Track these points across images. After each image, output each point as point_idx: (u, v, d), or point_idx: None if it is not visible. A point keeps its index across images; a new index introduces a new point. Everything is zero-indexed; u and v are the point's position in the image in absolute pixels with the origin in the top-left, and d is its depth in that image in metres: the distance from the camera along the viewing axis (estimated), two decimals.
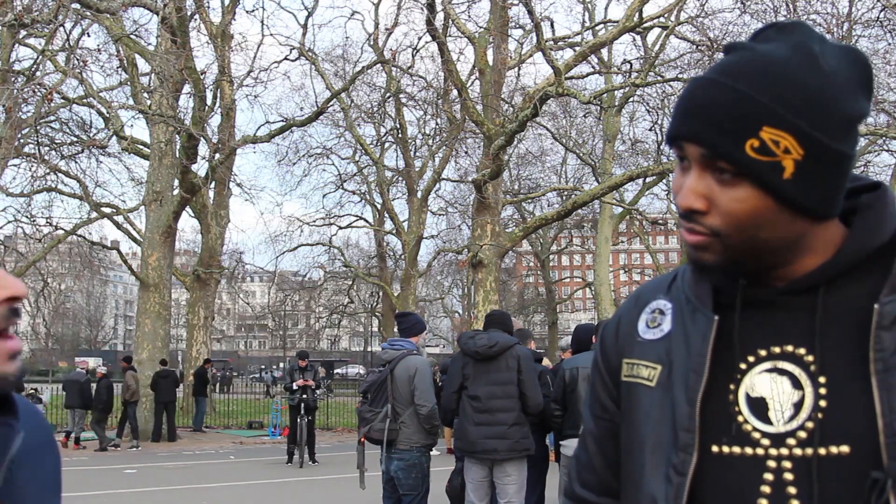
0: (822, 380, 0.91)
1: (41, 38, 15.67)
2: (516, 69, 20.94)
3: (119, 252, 20.68)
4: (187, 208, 19.94)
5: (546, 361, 8.51)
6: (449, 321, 51.70)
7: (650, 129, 20.55)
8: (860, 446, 0.87)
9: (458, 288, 42.13)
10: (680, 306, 1.03)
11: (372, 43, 23.09)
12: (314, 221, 28.22)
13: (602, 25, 20.84)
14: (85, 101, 18.42)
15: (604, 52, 21.45)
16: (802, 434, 0.90)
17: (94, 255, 26.85)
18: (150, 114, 16.14)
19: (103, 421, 15.62)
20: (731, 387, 0.96)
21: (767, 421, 0.93)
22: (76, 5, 13.19)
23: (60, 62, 16.63)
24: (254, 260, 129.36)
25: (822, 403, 0.90)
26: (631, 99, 21.69)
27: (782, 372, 0.93)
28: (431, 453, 5.67)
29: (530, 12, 13.67)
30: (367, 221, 29.69)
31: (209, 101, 16.40)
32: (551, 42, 18.28)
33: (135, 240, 20.60)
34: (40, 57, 15.98)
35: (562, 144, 24.21)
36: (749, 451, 0.93)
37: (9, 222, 22.37)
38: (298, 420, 12.37)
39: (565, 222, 29.61)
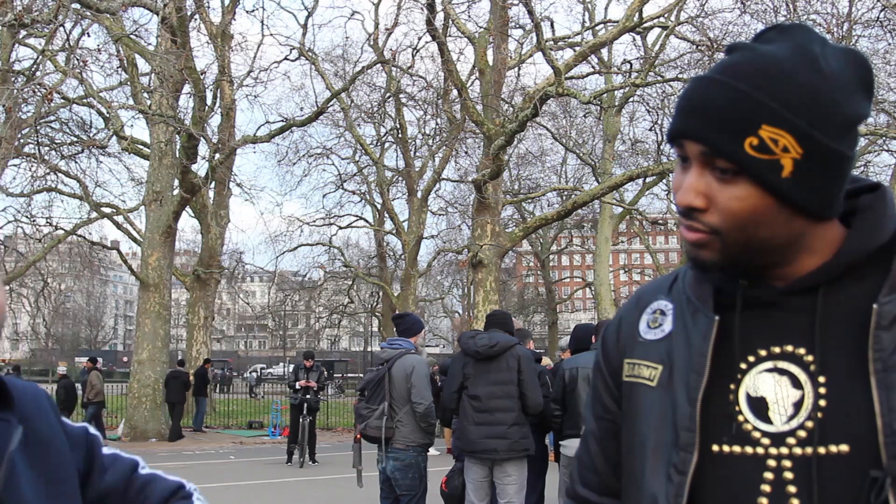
0: (821, 379, 0.92)
1: (41, 38, 15.67)
2: (516, 69, 20.94)
3: (119, 252, 20.68)
4: (187, 208, 19.94)
5: (546, 361, 8.51)
6: (449, 321, 51.69)
7: (650, 129, 20.57)
8: (860, 445, 0.87)
9: (458, 288, 42.13)
10: (681, 307, 1.04)
11: (372, 43, 23.09)
12: (314, 221, 28.22)
13: (602, 25, 20.83)
14: (85, 101, 18.42)
15: (604, 52, 21.45)
16: (802, 433, 0.91)
17: (94, 255, 26.84)
18: (150, 114, 16.14)
19: None
20: (732, 386, 0.96)
21: (767, 420, 0.93)
22: (76, 5, 13.19)
23: (60, 62, 16.64)
24: (254, 260, 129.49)
25: (822, 403, 0.91)
26: (631, 99, 21.70)
27: (782, 372, 0.94)
28: (432, 453, 5.68)
29: (530, 12, 13.66)
30: (367, 221, 29.68)
31: (209, 101, 16.39)
32: (551, 42, 18.28)
33: (135, 240, 20.60)
34: (40, 57, 15.98)
35: (562, 144, 24.21)
36: (749, 450, 0.93)
37: (9, 222, 22.39)
38: (300, 420, 12.38)
39: (565, 222, 29.61)
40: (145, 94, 18.42)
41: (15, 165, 19.52)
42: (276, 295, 42.53)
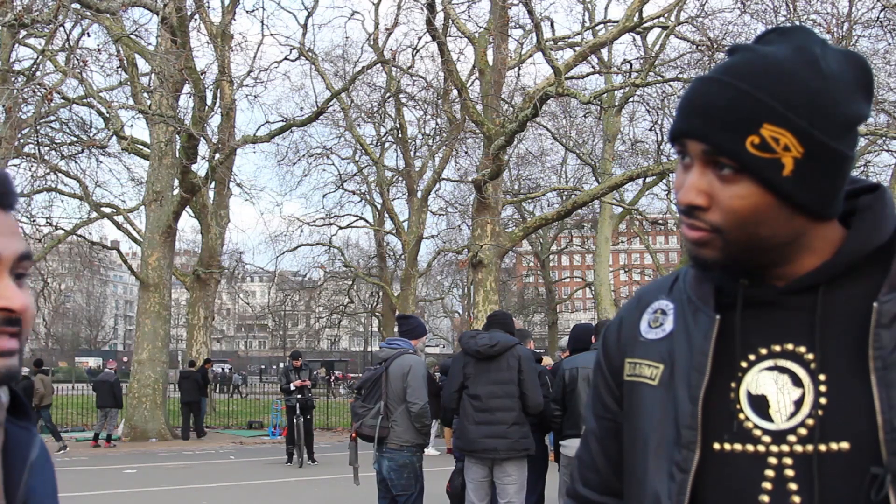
0: (822, 377, 0.92)
1: (41, 38, 15.67)
2: (516, 69, 20.94)
3: (119, 252, 20.67)
4: (187, 208, 19.94)
5: (547, 361, 8.51)
6: (449, 321, 51.70)
7: (650, 129, 20.55)
8: (860, 443, 0.88)
9: (458, 288, 42.14)
10: (682, 306, 1.05)
11: (372, 43, 23.10)
12: (314, 221, 28.24)
13: (602, 25, 20.84)
14: (85, 101, 18.42)
15: (604, 52, 21.45)
16: (803, 431, 0.91)
17: (94, 255, 26.85)
18: (150, 114, 16.14)
19: None
20: (733, 385, 0.97)
21: (768, 418, 0.94)
22: (76, 5, 13.19)
23: (60, 62, 16.64)
24: (254, 260, 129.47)
25: (823, 401, 0.91)
26: (631, 99, 21.69)
27: (783, 370, 0.95)
28: (431, 453, 5.68)
29: (530, 12, 13.67)
30: (367, 221, 29.69)
31: (209, 101, 16.39)
32: (551, 42, 18.29)
33: (135, 240, 20.60)
34: (40, 57, 15.98)
35: (562, 144, 24.21)
36: (750, 448, 0.94)
37: None
38: (295, 420, 12.38)
39: (565, 222, 29.61)
40: (145, 94, 18.42)
41: (15, 165, 19.51)
42: (276, 295, 42.54)
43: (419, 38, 24.45)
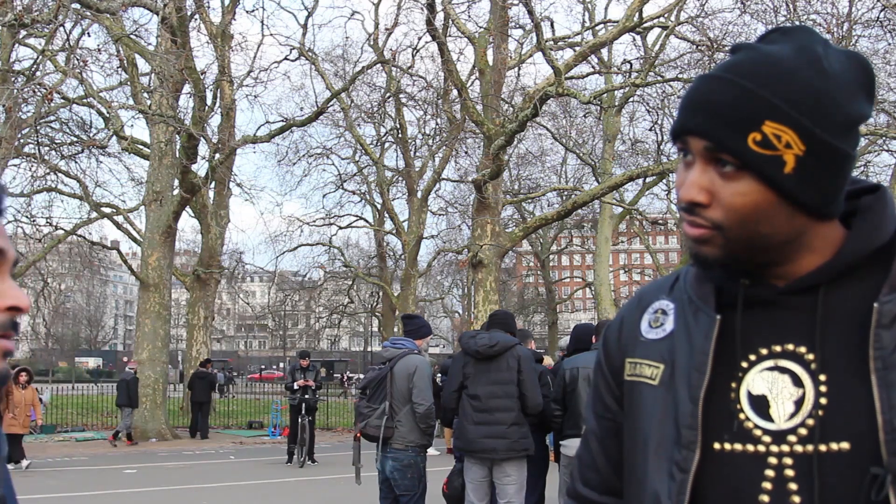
0: (822, 378, 0.92)
1: (41, 38, 15.67)
2: (516, 69, 20.94)
3: (119, 252, 20.68)
4: (187, 208, 19.94)
5: (548, 361, 8.51)
6: (449, 321, 51.67)
7: (650, 129, 20.56)
8: (860, 443, 0.88)
9: (458, 288, 42.12)
10: (682, 306, 1.05)
11: (372, 43, 23.09)
12: (314, 221, 28.23)
13: (602, 25, 20.84)
14: (85, 101, 18.42)
15: (604, 52, 21.45)
16: (803, 431, 0.92)
17: (94, 255, 26.85)
18: (150, 114, 16.14)
19: None
20: (733, 385, 0.97)
21: (769, 418, 0.94)
22: (76, 5, 13.19)
23: (60, 62, 16.64)
24: (254, 260, 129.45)
25: (823, 401, 0.91)
26: (631, 99, 21.69)
27: (783, 370, 0.95)
28: (431, 453, 5.67)
29: (530, 12, 13.67)
30: (367, 221, 29.69)
31: (209, 101, 16.39)
32: (551, 42, 18.29)
33: (135, 240, 20.60)
34: (40, 57, 15.98)
35: (562, 144, 24.21)
36: (751, 447, 0.94)
37: (9, 222, 22.30)
38: (299, 420, 12.38)
39: (565, 222, 29.61)
40: (145, 94, 18.42)
41: (15, 165, 19.54)
42: (276, 295, 42.53)
43: (419, 38, 24.46)
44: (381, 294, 31.44)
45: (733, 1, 15.50)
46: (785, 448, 0.92)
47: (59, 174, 20.39)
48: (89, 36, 31.20)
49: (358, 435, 5.70)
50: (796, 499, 0.90)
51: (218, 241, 22.40)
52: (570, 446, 5.33)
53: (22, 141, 18.28)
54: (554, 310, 36.58)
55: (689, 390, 0.98)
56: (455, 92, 17.95)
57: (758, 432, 0.94)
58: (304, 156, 26.11)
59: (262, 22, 37.47)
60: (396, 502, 5.49)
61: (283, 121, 19.78)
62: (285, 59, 21.83)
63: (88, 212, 20.60)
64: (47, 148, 19.66)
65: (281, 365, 52.93)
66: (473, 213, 17.26)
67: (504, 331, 5.56)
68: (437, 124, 23.02)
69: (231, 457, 14.18)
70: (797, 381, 0.93)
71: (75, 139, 20.24)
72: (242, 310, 58.21)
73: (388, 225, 27.89)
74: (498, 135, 14.57)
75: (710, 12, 16.47)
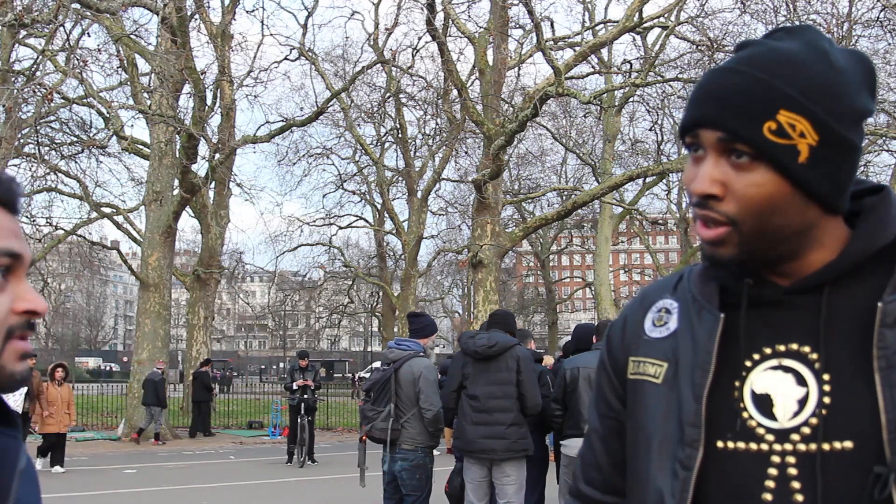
0: (826, 377, 0.92)
1: (41, 38, 15.67)
2: (516, 69, 20.95)
3: (119, 252, 20.68)
4: (187, 208, 19.94)
5: (547, 360, 8.50)
6: (449, 321, 51.69)
7: (650, 129, 20.60)
8: (863, 442, 0.88)
9: (458, 288, 42.16)
10: (686, 305, 1.05)
11: (372, 43, 23.11)
12: (314, 221, 28.26)
13: (602, 25, 20.84)
14: (85, 101, 18.42)
15: (604, 52, 21.46)
16: (806, 430, 0.92)
17: (94, 255, 26.85)
18: (150, 114, 16.14)
19: None
20: (737, 384, 0.97)
21: (772, 417, 0.94)
22: (76, 5, 13.19)
23: (60, 62, 16.63)
24: (254, 260, 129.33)
25: (826, 400, 0.91)
26: (631, 99, 21.70)
27: (787, 369, 0.95)
28: (433, 453, 5.66)
29: (530, 12, 13.67)
30: (367, 221, 29.70)
31: (209, 101, 16.39)
32: (551, 42, 18.29)
33: (135, 240, 20.60)
34: (40, 57, 15.98)
35: (562, 144, 24.22)
36: (754, 446, 0.94)
37: None
38: (299, 420, 12.38)
39: (565, 222, 29.63)
40: (145, 94, 18.41)
41: (15, 165, 19.49)
42: (276, 295, 42.56)
43: (419, 38, 24.47)
44: (381, 294, 31.46)
45: (733, 1, 15.51)
46: (788, 447, 0.92)
47: (59, 174, 20.40)
48: (89, 36, 31.22)
49: (363, 437, 5.68)
50: (799, 497, 0.90)
51: (218, 241, 22.40)
52: (571, 446, 5.33)
53: (22, 141, 18.28)
54: (554, 310, 36.60)
55: (693, 389, 0.98)
56: (455, 92, 17.96)
57: (761, 431, 0.94)
58: (304, 156, 26.16)
59: (262, 22, 37.58)
60: (401, 502, 5.48)
61: (283, 121, 19.80)
62: (285, 59, 21.85)
63: (88, 212, 20.61)
64: (47, 148, 19.67)
65: (281, 365, 52.92)
66: (473, 213, 17.27)
67: (504, 331, 5.55)
68: (437, 124, 23.05)
69: (231, 457, 14.18)
70: (801, 381, 0.93)
71: (75, 139, 20.25)
72: (242, 310, 58.24)
73: (388, 225, 27.92)
74: (498, 135, 14.58)
75: (710, 12, 16.50)
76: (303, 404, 12.46)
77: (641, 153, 24.29)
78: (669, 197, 29.13)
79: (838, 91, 0.91)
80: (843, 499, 0.88)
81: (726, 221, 0.94)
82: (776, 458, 0.92)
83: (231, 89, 20.18)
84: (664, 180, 24.67)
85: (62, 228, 21.35)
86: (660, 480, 0.99)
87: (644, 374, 1.05)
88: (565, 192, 23.94)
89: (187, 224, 79.23)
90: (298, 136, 25.79)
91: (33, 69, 15.74)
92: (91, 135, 19.89)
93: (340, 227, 29.30)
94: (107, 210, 20.80)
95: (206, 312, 22.18)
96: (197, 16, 18.36)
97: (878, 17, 15.78)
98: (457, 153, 22.88)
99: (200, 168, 17.32)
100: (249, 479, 11.13)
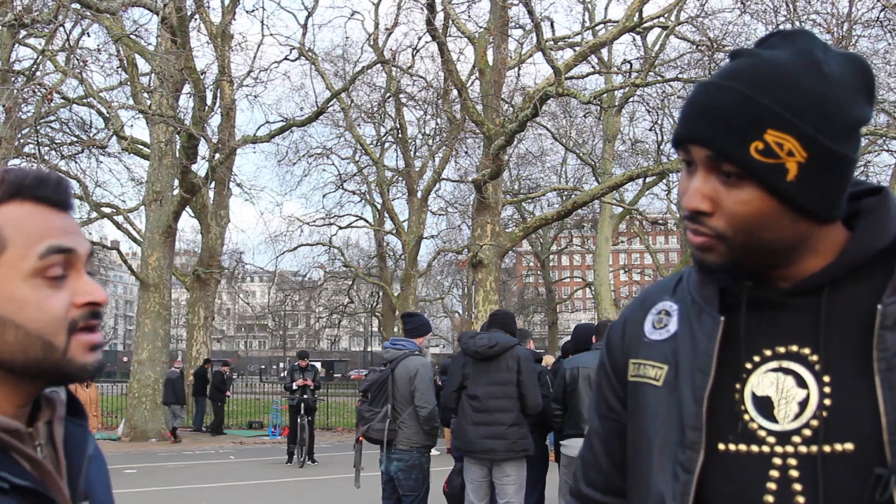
0: (826, 379, 0.92)
1: (41, 38, 15.66)
2: (516, 69, 20.94)
3: (119, 252, 20.70)
4: (187, 208, 19.93)
5: (548, 359, 8.51)
6: (449, 321, 51.68)
7: (650, 129, 20.59)
8: (864, 444, 0.88)
9: (458, 288, 42.13)
10: (686, 307, 1.05)
11: (372, 43, 23.10)
12: (314, 221, 28.25)
13: (602, 25, 20.84)
14: (85, 101, 18.41)
15: (604, 52, 21.46)
16: (807, 432, 0.92)
17: (94, 254, 26.79)
18: (150, 114, 16.14)
19: None
20: (737, 386, 0.97)
21: (773, 419, 0.94)
22: (76, 5, 13.19)
23: (60, 62, 16.63)
24: (254, 260, 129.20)
25: (827, 402, 0.92)
26: (631, 99, 21.69)
27: (787, 371, 0.95)
28: (432, 453, 5.67)
29: (530, 12, 13.67)
30: (367, 221, 29.69)
31: (209, 101, 16.39)
32: (551, 42, 18.29)
33: (135, 240, 20.60)
34: (40, 57, 15.96)
35: (562, 144, 24.22)
36: (755, 448, 0.94)
37: None
38: (298, 420, 12.39)
39: (565, 222, 29.62)
40: (145, 94, 18.41)
41: (15, 165, 19.50)
42: (276, 295, 42.55)
43: (419, 38, 24.47)
44: (381, 294, 31.46)
45: (733, 1, 15.51)
46: (789, 449, 0.92)
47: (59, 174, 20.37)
48: (89, 36, 31.19)
49: (360, 438, 5.69)
50: (800, 499, 0.90)
51: (218, 241, 22.39)
52: (571, 446, 5.34)
53: (22, 141, 18.27)
54: (554, 310, 36.60)
55: (693, 391, 0.98)
56: (455, 92, 17.96)
57: (762, 433, 0.94)
58: (304, 156, 26.14)
59: (262, 22, 37.58)
60: (400, 502, 5.49)
61: (283, 121, 19.80)
62: (285, 59, 21.83)
63: (88, 212, 20.61)
64: (47, 148, 19.66)
65: (281, 365, 52.93)
66: (473, 213, 17.27)
67: (504, 331, 5.56)
68: (437, 124, 23.05)
69: (231, 457, 14.18)
70: (801, 383, 0.93)
71: (75, 139, 20.25)
72: (242, 310, 58.23)
73: (388, 225, 27.91)
74: (498, 135, 14.58)
75: (710, 12, 16.51)
76: (303, 404, 12.47)
77: (641, 153, 24.28)
78: (669, 197, 29.11)
79: (830, 105, 0.90)
80: (845, 500, 0.88)
81: (715, 236, 0.94)
82: (777, 461, 0.92)
83: (231, 89, 20.17)
84: (664, 180, 24.66)
85: None
86: (661, 483, 0.99)
87: (644, 376, 1.06)
88: (565, 192, 23.94)
89: (187, 224, 79.21)
90: (298, 136, 25.79)
91: (33, 69, 15.73)
92: (91, 135, 19.88)
93: (340, 227, 29.31)
94: (107, 210, 20.82)
95: (206, 312, 22.17)
96: (197, 16, 18.36)
97: (878, 17, 15.78)
98: (457, 153, 22.89)
99: (200, 168, 17.34)
100: (249, 479, 11.14)
